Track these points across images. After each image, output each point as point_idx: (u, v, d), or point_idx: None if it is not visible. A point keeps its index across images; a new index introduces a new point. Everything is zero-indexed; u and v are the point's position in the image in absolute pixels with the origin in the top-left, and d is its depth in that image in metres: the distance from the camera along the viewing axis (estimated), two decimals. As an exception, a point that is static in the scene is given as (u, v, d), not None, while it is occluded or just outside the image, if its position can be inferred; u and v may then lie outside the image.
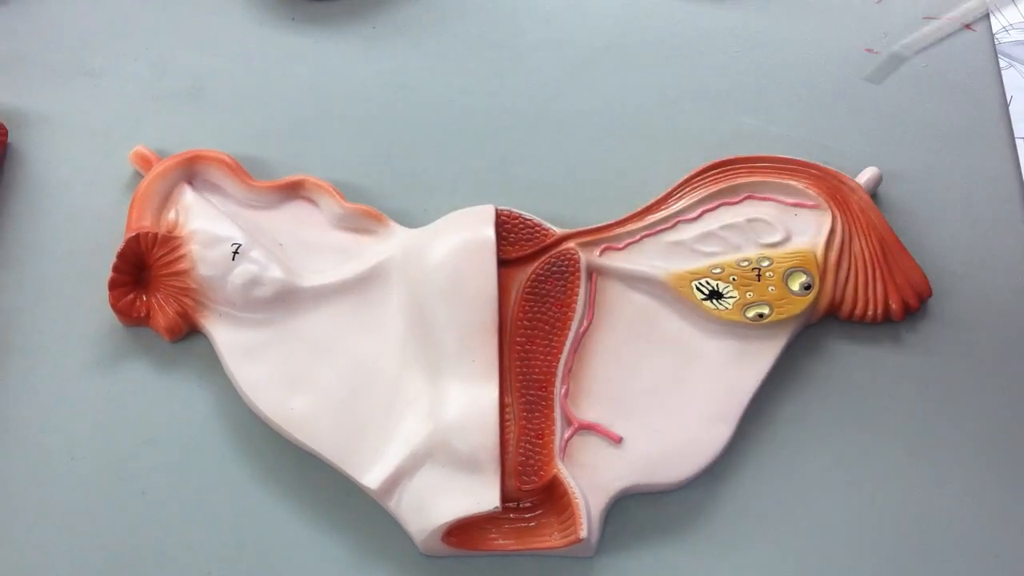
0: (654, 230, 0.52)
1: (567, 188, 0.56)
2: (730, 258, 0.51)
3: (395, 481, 0.47)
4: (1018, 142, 0.57)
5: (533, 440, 0.48)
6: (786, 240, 0.52)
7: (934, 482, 0.48)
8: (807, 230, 0.52)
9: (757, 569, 0.46)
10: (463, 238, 0.50)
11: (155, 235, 0.52)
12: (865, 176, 0.54)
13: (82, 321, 0.52)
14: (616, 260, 0.52)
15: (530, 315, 0.50)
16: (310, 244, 0.53)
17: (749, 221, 0.52)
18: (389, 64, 0.60)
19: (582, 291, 0.51)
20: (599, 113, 0.58)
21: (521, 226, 0.52)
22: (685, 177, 0.54)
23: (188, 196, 0.53)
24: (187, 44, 0.61)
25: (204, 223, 0.52)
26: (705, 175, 0.54)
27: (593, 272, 0.52)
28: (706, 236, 0.52)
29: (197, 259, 0.51)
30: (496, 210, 0.51)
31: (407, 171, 0.56)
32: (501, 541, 0.46)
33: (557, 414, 0.48)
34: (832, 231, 0.52)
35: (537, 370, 0.49)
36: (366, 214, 0.53)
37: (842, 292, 0.51)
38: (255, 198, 0.54)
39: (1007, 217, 0.55)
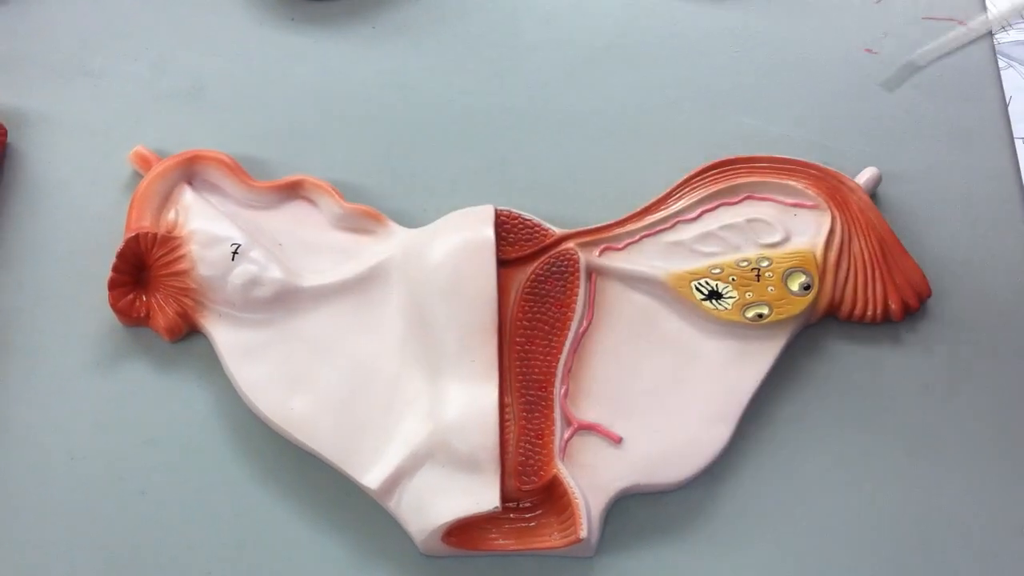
0: (653, 230, 0.52)
1: (566, 188, 0.56)
2: (729, 258, 0.51)
3: (395, 481, 0.47)
4: (1018, 142, 0.57)
5: (533, 440, 0.48)
6: (785, 240, 0.52)
7: (934, 482, 0.48)
8: (806, 230, 0.52)
9: (757, 569, 0.46)
10: (463, 238, 0.50)
11: (155, 235, 0.52)
12: (864, 176, 0.54)
13: (82, 321, 0.52)
14: (616, 260, 0.52)
15: (530, 315, 0.50)
16: (310, 244, 0.53)
17: (748, 221, 0.52)
18: (389, 64, 0.60)
19: (582, 291, 0.51)
20: (599, 113, 0.58)
21: (521, 226, 0.52)
22: (685, 177, 0.54)
23: (188, 196, 0.53)
24: (187, 44, 0.61)
25: (204, 223, 0.52)
26: (704, 175, 0.54)
27: (593, 272, 0.51)
28: (705, 236, 0.52)
29: (197, 259, 0.51)
30: (496, 210, 0.51)
31: (407, 171, 0.56)
32: (501, 541, 0.46)
33: (557, 414, 0.48)
34: (831, 231, 0.52)
35: (537, 370, 0.49)
36: (366, 214, 0.53)
37: (841, 292, 0.51)
38: (255, 198, 0.54)
39: (1007, 217, 0.55)
